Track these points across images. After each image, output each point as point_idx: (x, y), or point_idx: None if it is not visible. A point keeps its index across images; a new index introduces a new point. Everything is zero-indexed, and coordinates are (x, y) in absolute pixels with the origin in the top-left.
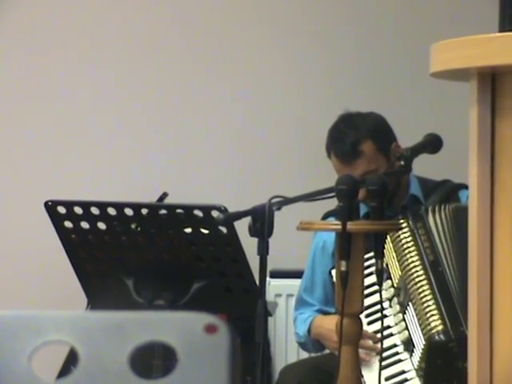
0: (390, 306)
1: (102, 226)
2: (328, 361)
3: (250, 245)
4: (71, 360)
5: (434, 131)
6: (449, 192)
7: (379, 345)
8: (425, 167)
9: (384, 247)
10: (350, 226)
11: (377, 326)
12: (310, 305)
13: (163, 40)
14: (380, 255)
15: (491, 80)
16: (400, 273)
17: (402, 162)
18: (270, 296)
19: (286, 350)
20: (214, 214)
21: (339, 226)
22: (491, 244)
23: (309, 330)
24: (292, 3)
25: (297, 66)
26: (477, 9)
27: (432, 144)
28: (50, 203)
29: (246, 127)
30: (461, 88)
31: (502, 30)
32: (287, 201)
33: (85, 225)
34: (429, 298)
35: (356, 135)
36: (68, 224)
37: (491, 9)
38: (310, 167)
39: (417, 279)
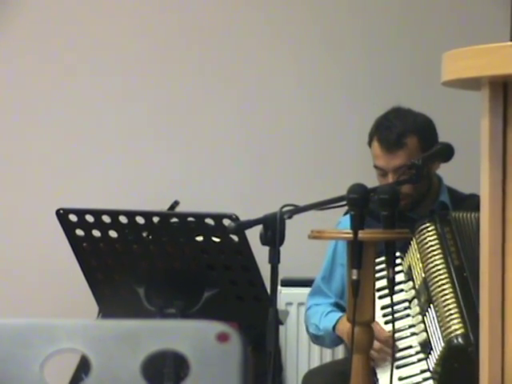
0: (410, 308)
1: (113, 234)
2: None
3: (261, 253)
4: (82, 368)
5: (445, 140)
6: (478, 206)
7: (395, 346)
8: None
9: (395, 256)
10: (362, 234)
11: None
12: (327, 296)
13: (177, 47)
14: (391, 263)
15: (503, 89)
16: (423, 275)
17: (414, 171)
18: (281, 304)
19: (297, 359)
20: (226, 222)
21: (350, 235)
22: (503, 252)
23: (333, 327)
24: (302, 10)
25: (310, 75)
26: (489, 18)
27: (444, 153)
28: (61, 211)
29: (258, 136)
30: (473, 96)
31: None
32: (298, 209)
33: (96, 233)
34: (450, 301)
35: (404, 127)
36: (79, 232)
37: (503, 18)
38: (321, 176)
39: (439, 282)
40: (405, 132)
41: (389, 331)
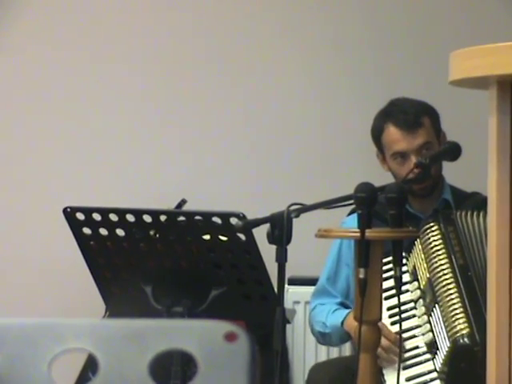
0: (415, 308)
1: (120, 232)
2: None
3: (268, 252)
4: (88, 367)
5: (453, 139)
6: (481, 205)
7: (402, 346)
8: (444, 175)
9: (402, 255)
10: (369, 233)
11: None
12: (333, 296)
13: (182, 46)
14: (398, 263)
15: (511, 88)
16: (428, 275)
17: (421, 170)
18: (288, 303)
19: (304, 357)
20: (233, 221)
21: (358, 234)
22: (510, 250)
23: (341, 322)
24: (309, 9)
25: (317, 75)
26: (496, 17)
27: (451, 152)
28: (68, 210)
29: (265, 134)
30: (478, 95)
31: None
32: (306, 208)
33: (103, 231)
34: (456, 301)
35: (416, 109)
36: (87, 230)
37: (510, 17)
38: (328, 175)
39: (444, 282)
40: (418, 112)
41: (396, 332)
